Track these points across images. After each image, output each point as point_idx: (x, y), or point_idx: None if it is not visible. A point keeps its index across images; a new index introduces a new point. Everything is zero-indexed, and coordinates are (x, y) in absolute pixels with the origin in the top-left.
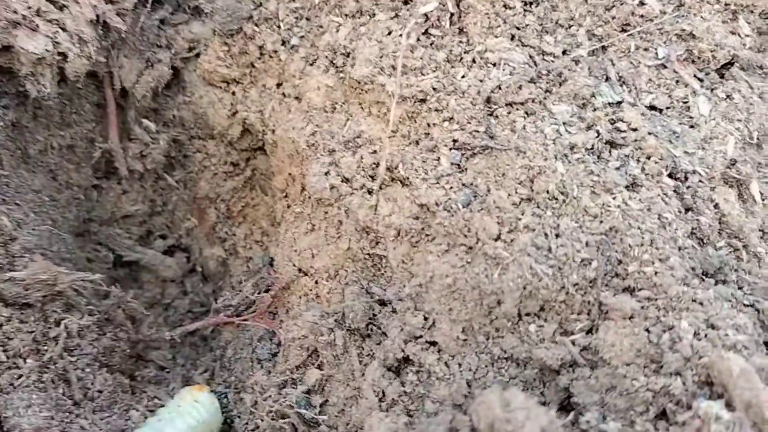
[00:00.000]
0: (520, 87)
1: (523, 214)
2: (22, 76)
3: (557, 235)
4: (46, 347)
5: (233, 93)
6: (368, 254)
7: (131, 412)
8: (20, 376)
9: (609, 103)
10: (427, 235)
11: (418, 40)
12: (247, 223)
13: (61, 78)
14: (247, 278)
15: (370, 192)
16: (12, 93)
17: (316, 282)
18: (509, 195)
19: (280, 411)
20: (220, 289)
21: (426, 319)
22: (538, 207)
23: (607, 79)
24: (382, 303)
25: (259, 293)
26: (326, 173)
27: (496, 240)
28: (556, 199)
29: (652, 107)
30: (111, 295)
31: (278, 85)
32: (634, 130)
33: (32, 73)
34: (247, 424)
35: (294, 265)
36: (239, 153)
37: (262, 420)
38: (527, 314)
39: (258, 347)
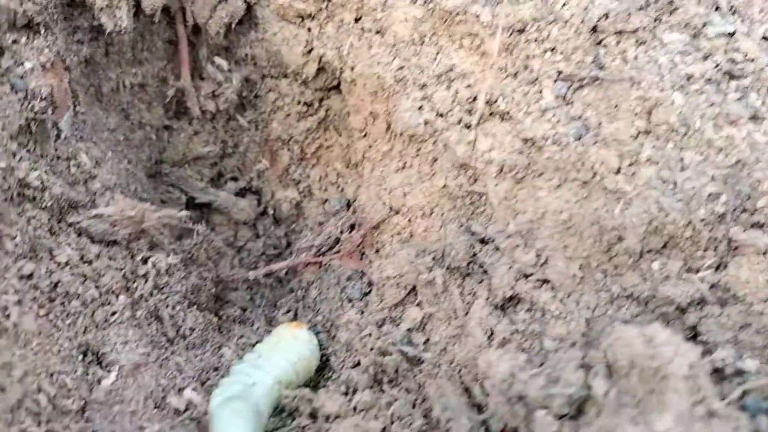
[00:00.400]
0: (629, 15)
1: (643, 147)
2: (97, 9)
3: (682, 169)
4: (136, 285)
5: (308, 29)
6: (466, 191)
7: (223, 349)
8: (114, 313)
9: (722, 33)
10: (533, 170)
11: None
12: (321, 164)
13: (136, 12)
14: (326, 219)
15: (467, 127)
16: (86, 27)
17: (410, 220)
18: (626, 127)
19: (382, 348)
20: (293, 231)
21: (538, 256)
22: (658, 140)
23: (718, 8)
24: (483, 241)
25: (341, 233)
26: (419, 108)
27: (616, 173)
28: (677, 131)
29: (765, 38)
30: (195, 233)
31: (357, 19)
32: (752, 60)
33: (108, 5)
34: (344, 361)
35: (384, 204)
36: (313, 92)
37: (365, 356)
38: (649, 251)
39: (348, 287)
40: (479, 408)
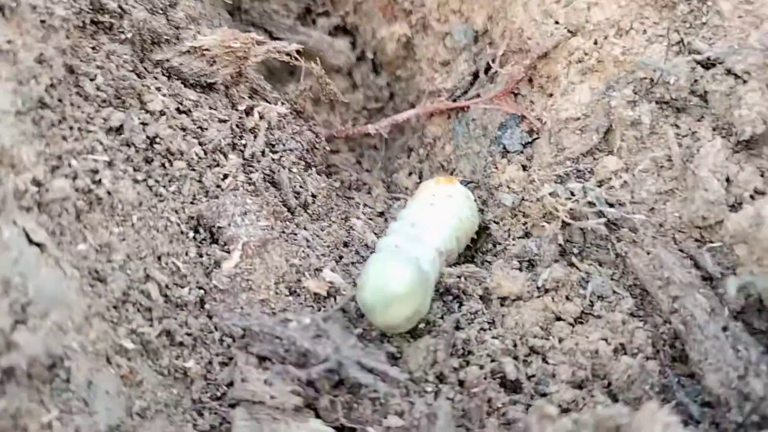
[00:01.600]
0: None
1: None
2: None
3: None
4: (245, 141)
5: None
6: None
7: (352, 220)
8: (226, 176)
9: None
10: None
11: None
12: None
13: None
14: (452, 58)
15: None
16: None
17: (596, 42)
18: None
19: (572, 210)
20: (397, 79)
21: None
22: None
23: None
24: (706, 64)
25: (475, 74)
26: None
27: None
28: None
29: None
30: (302, 75)
31: None
32: None
33: None
34: (510, 230)
35: (557, 23)
36: None
37: (547, 222)
38: None
39: (503, 138)
40: (711, 283)
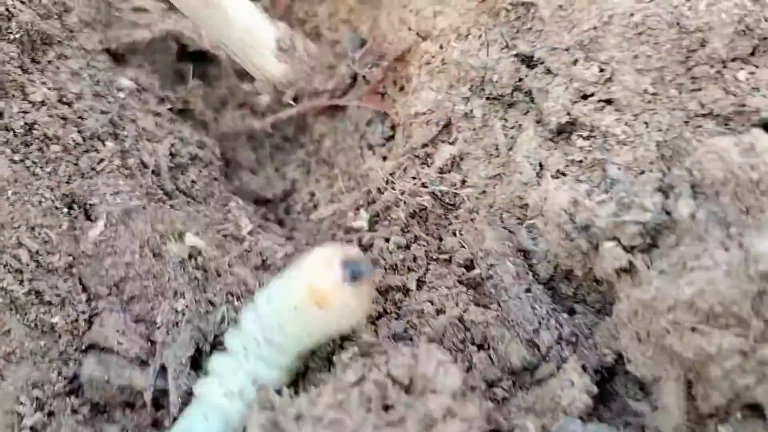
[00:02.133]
0: None
1: None
2: None
3: None
4: (126, 131)
5: None
6: (511, 4)
7: (231, 203)
8: (101, 160)
9: None
10: None
11: None
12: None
13: None
14: (338, 63)
15: None
16: None
17: (441, 46)
18: None
19: (412, 191)
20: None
21: (602, 71)
22: None
23: None
24: (530, 63)
25: (358, 72)
26: None
27: None
28: None
29: None
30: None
31: None
32: None
33: None
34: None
35: (410, 29)
36: None
37: (395, 206)
38: (734, 59)
39: (368, 132)
40: (525, 254)
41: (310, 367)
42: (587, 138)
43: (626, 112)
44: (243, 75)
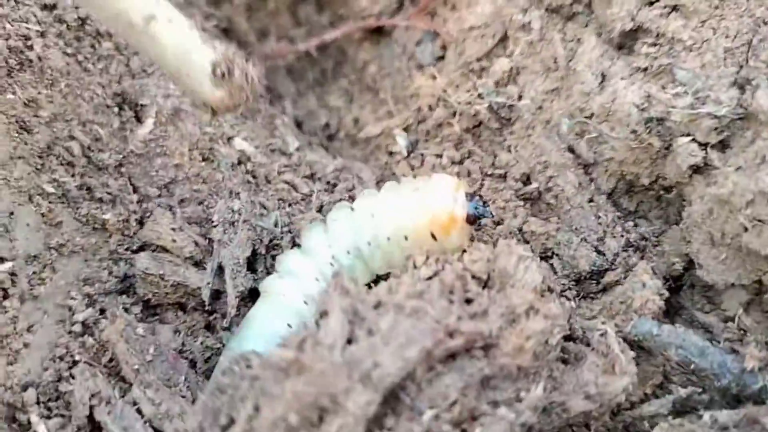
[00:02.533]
0: None
1: None
2: None
3: None
4: None
5: None
6: None
7: (276, 121)
8: (153, 63)
9: None
10: None
11: None
12: None
13: None
14: None
15: None
16: None
17: None
18: None
19: (468, 101)
20: (340, 18)
21: None
22: None
23: None
24: None
25: None
26: None
27: None
28: None
29: None
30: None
31: None
32: None
33: None
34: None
35: None
36: None
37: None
38: None
39: (417, 53)
40: (585, 167)
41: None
42: (653, 45)
43: (693, 18)
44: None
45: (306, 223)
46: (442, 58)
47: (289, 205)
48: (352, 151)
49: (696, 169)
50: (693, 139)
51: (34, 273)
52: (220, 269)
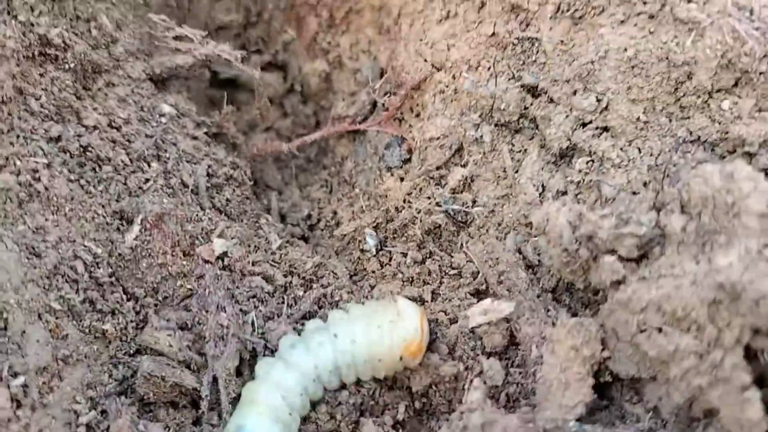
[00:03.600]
0: None
1: None
2: None
3: None
4: (168, 153)
5: None
6: (517, 39)
7: (261, 220)
8: (147, 180)
9: None
10: (593, 7)
11: None
12: (351, 31)
13: None
14: (358, 90)
15: None
16: None
17: (454, 76)
18: None
19: (427, 209)
20: (322, 109)
21: (599, 101)
22: None
23: None
24: (535, 93)
25: (377, 100)
26: None
27: (688, 2)
28: None
29: None
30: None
31: None
32: None
33: None
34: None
35: (426, 61)
36: None
37: (411, 223)
38: (720, 90)
39: (386, 155)
40: (531, 268)
41: None
42: (586, 162)
43: (621, 138)
44: (272, 100)
45: (281, 331)
46: (408, 160)
47: (263, 302)
48: (329, 241)
49: (618, 282)
50: (618, 256)
51: (43, 383)
52: (214, 379)
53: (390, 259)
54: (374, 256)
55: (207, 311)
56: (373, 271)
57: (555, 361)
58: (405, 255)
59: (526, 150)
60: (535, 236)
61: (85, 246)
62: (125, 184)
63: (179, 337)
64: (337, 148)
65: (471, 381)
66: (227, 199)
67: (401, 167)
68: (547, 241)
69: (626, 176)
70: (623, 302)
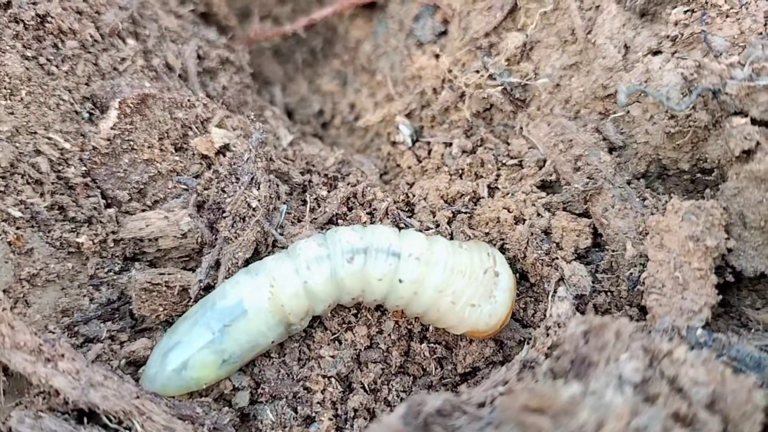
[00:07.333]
0: None
1: None
2: None
3: None
4: (147, 31)
5: None
6: None
7: (266, 113)
8: (123, 60)
9: None
10: None
11: None
12: None
13: None
14: None
15: None
16: None
17: None
18: None
19: (476, 84)
20: None
21: None
22: None
23: None
24: None
25: None
26: None
27: None
28: None
29: None
30: None
31: None
32: None
33: None
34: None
35: None
36: None
37: (454, 107)
38: None
39: (416, 29)
40: (614, 150)
41: None
42: (684, 11)
43: None
44: None
45: (304, 236)
46: (444, 33)
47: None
48: (349, 139)
49: (748, 152)
50: (750, 118)
51: (4, 310)
52: (217, 264)
53: (429, 152)
54: (409, 148)
55: (237, 179)
56: (409, 167)
57: (666, 257)
58: (449, 145)
59: (598, 7)
60: (620, 110)
61: (49, 139)
62: (95, 64)
63: (181, 203)
64: (351, 31)
65: (554, 291)
66: (223, 87)
67: (435, 42)
68: (643, 110)
69: (737, 26)
70: (756, 176)
